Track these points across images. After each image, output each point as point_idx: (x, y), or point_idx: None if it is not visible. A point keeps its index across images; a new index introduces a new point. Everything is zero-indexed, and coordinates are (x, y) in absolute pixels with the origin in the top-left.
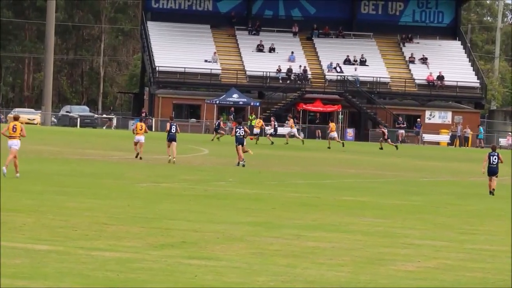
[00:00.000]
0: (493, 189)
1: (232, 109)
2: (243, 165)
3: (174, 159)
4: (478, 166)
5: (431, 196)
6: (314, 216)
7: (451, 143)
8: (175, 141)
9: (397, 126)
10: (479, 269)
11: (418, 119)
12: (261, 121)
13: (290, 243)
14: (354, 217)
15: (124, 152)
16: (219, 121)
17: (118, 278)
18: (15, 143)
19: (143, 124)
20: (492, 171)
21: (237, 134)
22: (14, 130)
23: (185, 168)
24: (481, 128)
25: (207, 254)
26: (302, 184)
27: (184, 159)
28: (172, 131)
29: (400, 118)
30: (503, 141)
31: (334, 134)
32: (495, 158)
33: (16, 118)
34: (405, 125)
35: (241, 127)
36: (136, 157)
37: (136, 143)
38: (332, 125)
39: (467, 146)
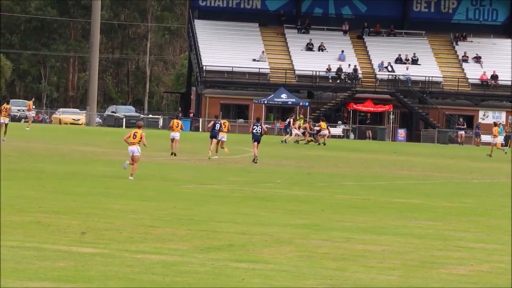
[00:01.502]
0: None
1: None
2: (255, 162)
3: (214, 154)
4: None
5: (484, 198)
6: (364, 219)
7: (505, 143)
8: (216, 138)
9: (457, 127)
10: None
11: (479, 121)
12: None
13: (339, 246)
14: (405, 220)
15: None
16: (289, 120)
17: (164, 282)
18: (135, 150)
19: (179, 121)
20: None
21: (254, 131)
22: (135, 137)
23: (233, 169)
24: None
25: (255, 257)
26: (352, 186)
27: (232, 160)
28: (216, 128)
29: (461, 119)
30: None
31: (326, 132)
32: None
33: (139, 126)
34: (465, 126)
35: (258, 124)
36: (171, 154)
37: (172, 140)
38: (322, 124)
39: None
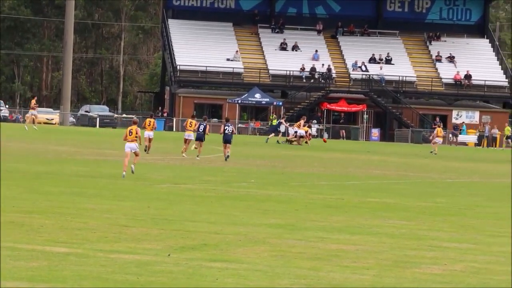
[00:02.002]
0: None
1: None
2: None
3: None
4: (506, 167)
5: (458, 197)
6: (338, 218)
7: (479, 143)
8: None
9: (433, 127)
10: (508, 272)
11: (459, 123)
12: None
13: (313, 246)
14: (379, 219)
15: (144, 153)
16: (280, 120)
17: (138, 281)
18: (133, 146)
19: (152, 120)
20: None
21: (225, 132)
22: (130, 133)
23: (206, 169)
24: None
25: (229, 257)
26: (326, 186)
27: (206, 159)
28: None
29: (437, 119)
30: None
31: (302, 132)
32: None
33: (135, 122)
34: (441, 126)
35: (229, 124)
36: (145, 150)
37: (145, 139)
38: (301, 121)
39: (495, 146)
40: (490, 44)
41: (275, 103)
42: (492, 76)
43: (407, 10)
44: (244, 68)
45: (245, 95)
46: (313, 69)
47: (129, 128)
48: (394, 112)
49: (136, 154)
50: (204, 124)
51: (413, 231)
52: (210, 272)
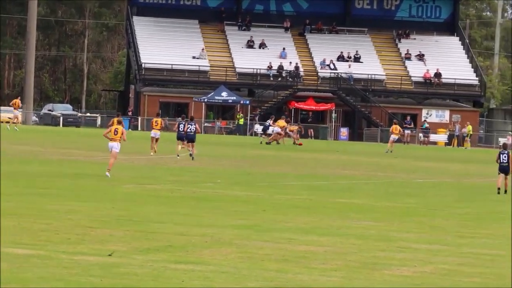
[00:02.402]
0: (505, 189)
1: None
2: (192, 158)
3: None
4: (475, 167)
5: (428, 198)
6: (306, 219)
7: (449, 143)
8: (193, 141)
9: (404, 126)
10: (478, 274)
11: (425, 121)
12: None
13: (281, 247)
14: (347, 220)
15: (109, 153)
16: (269, 121)
17: (102, 284)
18: (115, 146)
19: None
20: (502, 169)
21: (188, 131)
22: (116, 133)
23: (172, 169)
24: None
25: (195, 259)
26: (294, 186)
27: (171, 159)
28: (181, 129)
29: (408, 118)
30: (502, 141)
31: (278, 129)
32: (505, 157)
33: (119, 122)
34: (412, 126)
35: (192, 123)
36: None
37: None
38: (280, 122)
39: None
40: (460, 42)
41: (242, 102)
42: (462, 75)
43: (376, 7)
44: (210, 66)
45: (211, 93)
46: (280, 67)
47: (115, 127)
48: (363, 111)
49: (113, 156)
50: (194, 124)
51: (382, 232)
52: (176, 274)
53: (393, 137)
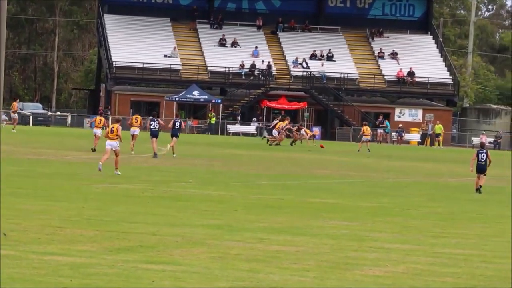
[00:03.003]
0: (480, 186)
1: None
2: (155, 157)
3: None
4: (449, 166)
5: (401, 198)
6: (278, 219)
7: (422, 142)
8: (176, 136)
9: (379, 125)
10: (450, 274)
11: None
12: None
13: (252, 247)
14: (320, 220)
15: (80, 152)
16: (275, 121)
17: (72, 284)
18: (114, 144)
19: (102, 118)
20: (481, 169)
21: (151, 127)
22: (112, 131)
23: (143, 168)
24: (387, 121)
25: (166, 259)
26: (266, 185)
27: (143, 159)
28: (176, 127)
29: (381, 117)
30: (476, 140)
31: (276, 132)
32: (483, 156)
33: (117, 121)
34: (385, 125)
35: (155, 119)
36: (92, 150)
37: (95, 136)
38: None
39: (439, 145)
40: (433, 41)
41: (213, 101)
42: (435, 73)
43: (349, 6)
44: (182, 65)
45: (183, 92)
46: (252, 66)
47: (111, 126)
48: (335, 110)
49: (116, 153)
50: (179, 121)
51: (355, 232)
52: (147, 274)
53: (365, 138)
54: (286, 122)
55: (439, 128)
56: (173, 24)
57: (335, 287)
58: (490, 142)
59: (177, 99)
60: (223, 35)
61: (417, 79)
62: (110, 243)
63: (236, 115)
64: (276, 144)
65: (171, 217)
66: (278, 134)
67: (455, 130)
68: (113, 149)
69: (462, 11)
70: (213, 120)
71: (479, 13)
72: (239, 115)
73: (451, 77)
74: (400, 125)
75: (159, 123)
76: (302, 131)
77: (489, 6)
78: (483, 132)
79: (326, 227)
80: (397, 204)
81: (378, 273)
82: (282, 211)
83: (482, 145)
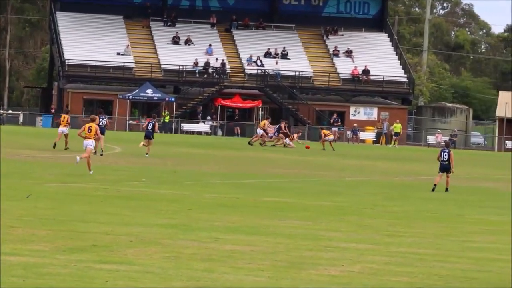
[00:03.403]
0: (446, 187)
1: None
2: (101, 155)
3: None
4: (404, 165)
5: (356, 197)
6: (233, 218)
7: (377, 140)
8: (149, 138)
9: (333, 124)
10: (406, 273)
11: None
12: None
13: (207, 247)
14: (275, 219)
15: (32, 150)
16: (280, 124)
17: (24, 284)
18: (90, 143)
19: (66, 115)
20: (443, 168)
21: (99, 124)
22: (90, 131)
23: (96, 167)
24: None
25: (119, 258)
26: (221, 184)
27: (96, 158)
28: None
29: (335, 115)
30: (431, 139)
31: (261, 131)
32: (445, 155)
33: (93, 120)
34: (339, 123)
35: (103, 117)
36: (65, 149)
37: (60, 135)
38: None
39: (394, 144)
40: (388, 39)
41: (167, 99)
42: (390, 71)
43: (303, 3)
44: (135, 63)
45: (136, 90)
46: (206, 64)
47: (88, 125)
48: (290, 109)
49: (87, 152)
50: (153, 122)
51: (310, 231)
52: (100, 274)
53: (329, 138)
54: (266, 121)
55: (398, 127)
56: (126, 22)
57: (290, 287)
58: (445, 141)
59: (130, 97)
60: (177, 32)
61: (372, 78)
62: (63, 242)
63: (198, 114)
64: (272, 145)
65: (124, 216)
66: (266, 133)
67: (410, 129)
68: (88, 147)
69: (417, 9)
70: (167, 119)
71: (434, 11)
72: (200, 114)
73: (406, 76)
74: (355, 124)
75: (106, 121)
76: (259, 130)
77: (444, 4)
78: (439, 130)
79: (281, 226)
80: (352, 203)
81: (334, 273)
82: (236, 210)
83: (447, 145)
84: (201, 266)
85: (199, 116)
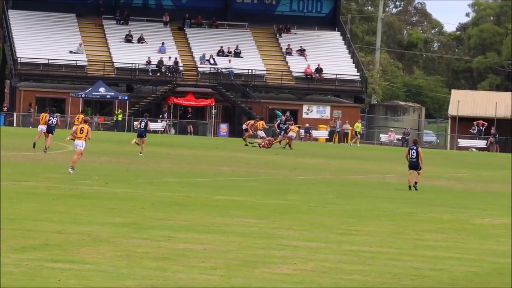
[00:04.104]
0: (415, 183)
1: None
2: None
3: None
4: (357, 163)
5: (309, 195)
6: (185, 217)
7: (330, 139)
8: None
9: (286, 122)
10: (358, 271)
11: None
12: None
13: (160, 245)
14: (228, 218)
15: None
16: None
17: None
18: (80, 144)
19: (45, 114)
20: (412, 165)
21: (49, 123)
22: (81, 132)
23: (48, 165)
24: (278, 112)
25: (72, 257)
26: (173, 183)
27: (48, 156)
28: (52, 122)
29: (288, 114)
30: (384, 137)
31: (262, 133)
32: (413, 152)
33: (85, 121)
34: (292, 121)
35: (54, 115)
36: (45, 149)
37: (40, 133)
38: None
39: (347, 142)
40: (341, 37)
41: (120, 98)
42: (343, 70)
43: (256, 2)
44: (88, 61)
45: (89, 89)
46: (159, 62)
47: (81, 126)
48: (243, 107)
49: (77, 153)
50: (145, 120)
51: (263, 229)
52: (52, 273)
53: (292, 134)
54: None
55: (359, 126)
56: (79, 20)
57: (243, 285)
58: (398, 139)
59: (83, 95)
60: (130, 31)
61: (325, 76)
62: (15, 241)
63: (164, 113)
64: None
65: (77, 215)
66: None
67: (363, 127)
68: (78, 148)
69: (369, 8)
70: (119, 117)
71: (387, 9)
72: (165, 113)
73: (359, 74)
74: (307, 124)
75: (57, 120)
76: (260, 132)
77: (397, 3)
78: (391, 129)
79: (234, 224)
80: (305, 202)
81: (287, 271)
82: (189, 209)
83: (415, 142)
84: (154, 264)
85: (165, 115)
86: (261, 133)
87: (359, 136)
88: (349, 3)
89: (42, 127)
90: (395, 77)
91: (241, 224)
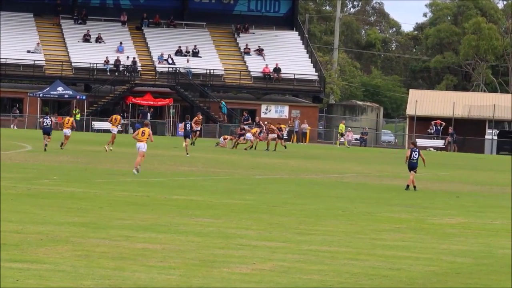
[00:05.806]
0: (410, 183)
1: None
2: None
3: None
4: (314, 163)
5: (267, 195)
6: (144, 216)
7: (288, 139)
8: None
9: (243, 122)
10: (317, 271)
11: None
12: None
13: (118, 245)
14: (186, 217)
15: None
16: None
17: None
18: (142, 146)
19: (70, 118)
20: (412, 166)
21: (44, 125)
22: (143, 134)
23: (6, 165)
24: (223, 102)
25: (30, 257)
26: (131, 182)
27: (6, 156)
28: (188, 128)
29: (245, 114)
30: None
31: (250, 136)
32: (416, 154)
33: (146, 125)
34: (249, 121)
35: (48, 117)
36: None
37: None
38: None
39: (305, 142)
40: (299, 37)
41: (78, 97)
42: (301, 70)
43: (214, 1)
44: (45, 61)
45: (47, 88)
46: (117, 62)
47: (142, 129)
48: (201, 107)
49: (140, 155)
50: (190, 123)
51: (221, 229)
52: (10, 273)
53: (273, 135)
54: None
55: (343, 127)
56: (36, 19)
57: (201, 285)
58: (356, 139)
59: (41, 95)
60: (88, 30)
61: (283, 76)
62: None
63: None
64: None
65: (35, 214)
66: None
67: (321, 127)
68: (141, 150)
69: (327, 8)
70: (77, 117)
71: (345, 9)
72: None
73: (317, 74)
74: (266, 122)
75: (51, 121)
76: (248, 134)
77: (355, 3)
78: (349, 128)
79: (192, 224)
80: (262, 201)
81: (245, 271)
82: (147, 208)
83: (414, 144)
84: (112, 264)
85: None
86: (249, 136)
87: (344, 137)
88: (307, 3)
89: (66, 131)
90: (353, 76)
91: (199, 223)
